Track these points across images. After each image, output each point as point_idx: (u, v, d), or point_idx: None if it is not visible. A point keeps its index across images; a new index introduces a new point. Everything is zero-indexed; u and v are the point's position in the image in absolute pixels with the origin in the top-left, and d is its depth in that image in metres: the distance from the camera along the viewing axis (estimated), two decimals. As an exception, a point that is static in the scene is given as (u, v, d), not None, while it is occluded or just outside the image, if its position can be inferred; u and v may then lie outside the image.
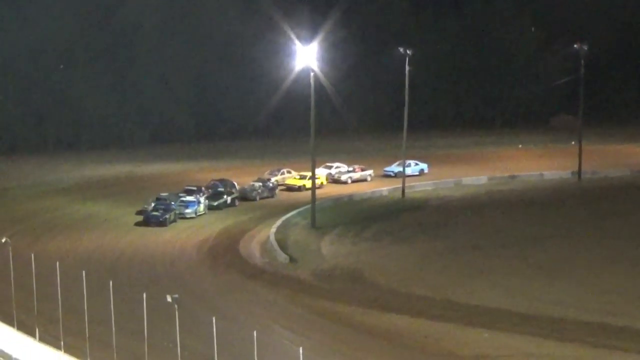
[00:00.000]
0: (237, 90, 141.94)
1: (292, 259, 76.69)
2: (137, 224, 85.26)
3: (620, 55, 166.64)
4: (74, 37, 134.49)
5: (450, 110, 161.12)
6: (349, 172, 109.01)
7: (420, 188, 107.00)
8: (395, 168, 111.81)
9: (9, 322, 51.44)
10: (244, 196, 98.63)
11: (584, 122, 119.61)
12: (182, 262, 73.99)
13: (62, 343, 47.50)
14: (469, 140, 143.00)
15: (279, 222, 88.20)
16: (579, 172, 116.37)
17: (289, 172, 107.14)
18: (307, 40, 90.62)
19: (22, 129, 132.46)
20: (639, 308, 61.42)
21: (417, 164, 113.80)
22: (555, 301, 63.14)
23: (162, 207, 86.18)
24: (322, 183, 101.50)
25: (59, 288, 48.98)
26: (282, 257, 77.22)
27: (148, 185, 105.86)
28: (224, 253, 78.93)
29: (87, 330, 45.67)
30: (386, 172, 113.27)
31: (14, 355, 50.41)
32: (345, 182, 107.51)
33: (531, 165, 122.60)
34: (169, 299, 39.36)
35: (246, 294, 65.66)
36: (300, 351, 36.99)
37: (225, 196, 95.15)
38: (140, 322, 42.29)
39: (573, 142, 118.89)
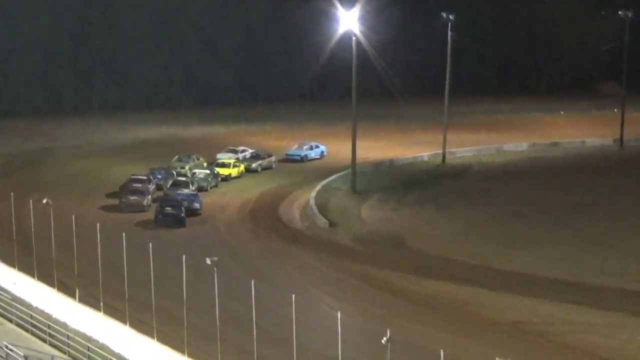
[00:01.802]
0: (282, 55, 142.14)
1: (332, 224, 76.65)
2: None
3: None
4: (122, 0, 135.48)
5: (495, 76, 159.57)
6: (253, 157, 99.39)
7: (461, 154, 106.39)
8: (300, 152, 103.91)
9: (50, 282, 51.75)
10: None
11: (630, 90, 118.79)
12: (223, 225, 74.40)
13: (101, 304, 47.76)
14: (512, 106, 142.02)
15: (318, 186, 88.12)
16: (621, 140, 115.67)
17: (197, 159, 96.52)
18: (349, 4, 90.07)
19: (68, 90, 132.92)
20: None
21: (317, 146, 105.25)
22: (598, 270, 63.00)
23: (173, 202, 74.63)
24: (241, 171, 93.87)
25: (99, 250, 49.15)
26: (322, 221, 77.31)
27: (190, 148, 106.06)
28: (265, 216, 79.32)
29: (126, 291, 45.85)
30: (290, 156, 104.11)
31: (54, 315, 50.79)
32: (255, 171, 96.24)
33: (574, 132, 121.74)
34: (208, 261, 39.39)
35: (286, 257, 65.81)
36: (338, 315, 36.89)
37: None
38: (180, 284, 42.33)
39: (616, 110, 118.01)
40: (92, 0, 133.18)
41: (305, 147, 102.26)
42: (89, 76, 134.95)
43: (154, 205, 75.51)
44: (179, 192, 77.87)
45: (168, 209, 71.81)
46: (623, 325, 51.87)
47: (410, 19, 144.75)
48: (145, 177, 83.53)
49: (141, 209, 76.04)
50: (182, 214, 72.15)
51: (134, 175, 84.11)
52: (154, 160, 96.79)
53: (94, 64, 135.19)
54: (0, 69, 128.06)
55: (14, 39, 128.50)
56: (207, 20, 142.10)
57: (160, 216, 71.73)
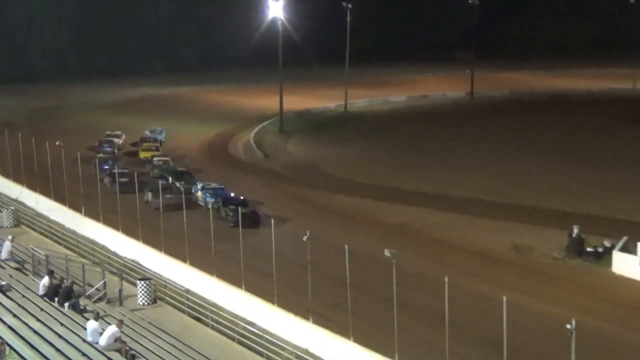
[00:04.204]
0: (231, 31, 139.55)
1: (266, 155, 76.78)
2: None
3: (507, 6, 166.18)
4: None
5: (381, 46, 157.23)
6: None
7: (358, 105, 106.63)
8: (158, 136, 79.83)
9: (63, 202, 51.68)
10: None
11: (478, 56, 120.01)
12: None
13: (100, 216, 47.79)
14: (392, 70, 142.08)
15: (256, 128, 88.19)
16: (472, 93, 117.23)
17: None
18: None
19: (72, 60, 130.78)
20: (517, 189, 62.40)
21: (162, 131, 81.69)
22: (456, 185, 63.69)
23: (238, 202, 52.25)
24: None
25: (98, 179, 48.99)
26: (259, 154, 77.29)
27: (163, 103, 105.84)
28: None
29: (119, 208, 45.73)
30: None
31: (66, 225, 50.61)
32: None
33: (438, 87, 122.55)
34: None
35: (234, 179, 65.12)
36: (272, 221, 37.62)
37: None
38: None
39: (467, 71, 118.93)
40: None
41: (157, 131, 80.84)
42: (89, 48, 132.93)
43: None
44: (211, 187, 56.54)
45: (244, 210, 45.59)
46: (473, 224, 52.83)
47: (322, 5, 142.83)
48: (116, 134, 77.41)
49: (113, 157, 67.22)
50: (257, 213, 51.54)
51: (108, 133, 77.41)
52: (138, 112, 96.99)
53: (92, 39, 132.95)
54: (18, 43, 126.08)
55: (29, 16, 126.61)
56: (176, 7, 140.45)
57: (235, 218, 47.47)
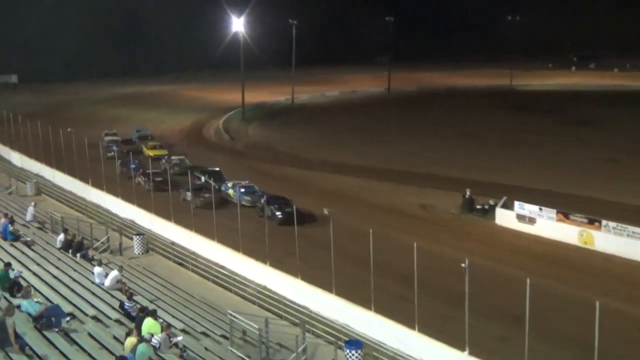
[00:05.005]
0: (203, 41, 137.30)
1: (232, 138, 76.50)
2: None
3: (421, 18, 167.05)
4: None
5: (321, 53, 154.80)
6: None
7: (302, 99, 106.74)
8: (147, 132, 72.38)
9: (74, 175, 50.96)
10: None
11: (399, 60, 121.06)
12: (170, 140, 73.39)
13: (104, 186, 47.16)
14: (331, 71, 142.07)
15: (224, 117, 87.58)
16: (389, 88, 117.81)
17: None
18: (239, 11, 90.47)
19: (78, 63, 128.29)
20: (424, 161, 62.85)
21: (147, 129, 73.84)
22: (381, 159, 64.12)
23: (283, 200, 44.66)
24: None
25: (101, 159, 48.31)
26: (226, 137, 76.90)
27: (150, 98, 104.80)
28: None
29: (118, 178, 45.11)
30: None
31: (77, 192, 49.96)
32: None
33: (364, 84, 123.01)
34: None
35: (206, 156, 64.98)
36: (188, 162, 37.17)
37: None
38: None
39: (386, 72, 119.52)
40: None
41: (143, 129, 73.40)
42: (91, 54, 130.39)
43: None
44: (241, 185, 48.89)
45: (288, 209, 41.35)
46: (390, 188, 53.32)
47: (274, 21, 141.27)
48: (113, 132, 69.61)
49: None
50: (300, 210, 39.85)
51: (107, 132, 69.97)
52: (130, 105, 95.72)
53: (93, 47, 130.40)
54: (35, 50, 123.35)
55: (43, 28, 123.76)
56: (160, 21, 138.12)
57: (281, 216, 42.43)
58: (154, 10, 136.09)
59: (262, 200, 44.56)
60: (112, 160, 54.16)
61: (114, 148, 60.35)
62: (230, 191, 48.53)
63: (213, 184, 48.02)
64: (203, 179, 51.58)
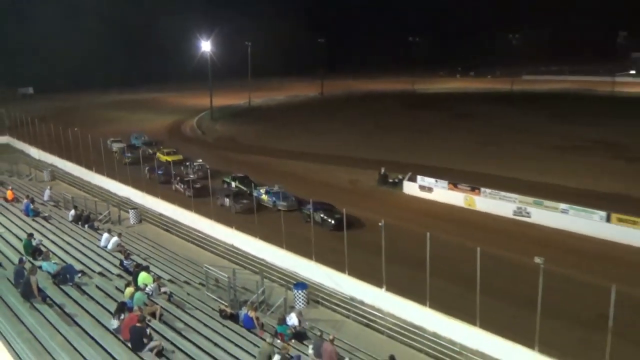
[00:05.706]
0: (179, 58, 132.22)
1: (203, 133, 75.20)
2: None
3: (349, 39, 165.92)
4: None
5: (271, 66, 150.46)
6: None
7: (256, 102, 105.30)
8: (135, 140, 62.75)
9: (81, 164, 49.59)
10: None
11: (332, 71, 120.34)
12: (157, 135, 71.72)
13: (105, 173, 45.95)
14: (278, 80, 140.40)
15: (197, 117, 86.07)
16: (322, 92, 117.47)
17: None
18: (207, 36, 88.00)
19: (84, 73, 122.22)
20: (352, 148, 62.44)
21: (143, 135, 65.67)
22: (321, 146, 63.32)
23: (328, 207, 37.21)
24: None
25: (103, 155, 47.12)
26: (199, 132, 75.60)
27: (140, 103, 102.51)
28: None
29: (116, 169, 44.03)
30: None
31: (85, 178, 48.65)
32: None
33: (303, 90, 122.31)
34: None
35: (184, 147, 63.78)
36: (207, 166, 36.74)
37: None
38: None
39: (321, 81, 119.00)
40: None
41: (141, 135, 65.15)
42: (92, 67, 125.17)
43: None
44: (275, 191, 40.47)
45: (337, 215, 35.09)
46: (327, 169, 52.86)
47: (233, 42, 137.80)
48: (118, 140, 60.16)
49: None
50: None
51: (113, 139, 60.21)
52: (127, 109, 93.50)
53: (94, 61, 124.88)
54: (46, 64, 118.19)
55: (52, 44, 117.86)
56: (146, 42, 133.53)
57: (333, 222, 35.03)
58: (145, 32, 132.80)
59: (308, 207, 35.60)
60: (125, 162, 48.40)
61: (128, 155, 49.20)
62: (264, 196, 40.18)
63: (244, 189, 41.71)
64: (233, 184, 43.79)
